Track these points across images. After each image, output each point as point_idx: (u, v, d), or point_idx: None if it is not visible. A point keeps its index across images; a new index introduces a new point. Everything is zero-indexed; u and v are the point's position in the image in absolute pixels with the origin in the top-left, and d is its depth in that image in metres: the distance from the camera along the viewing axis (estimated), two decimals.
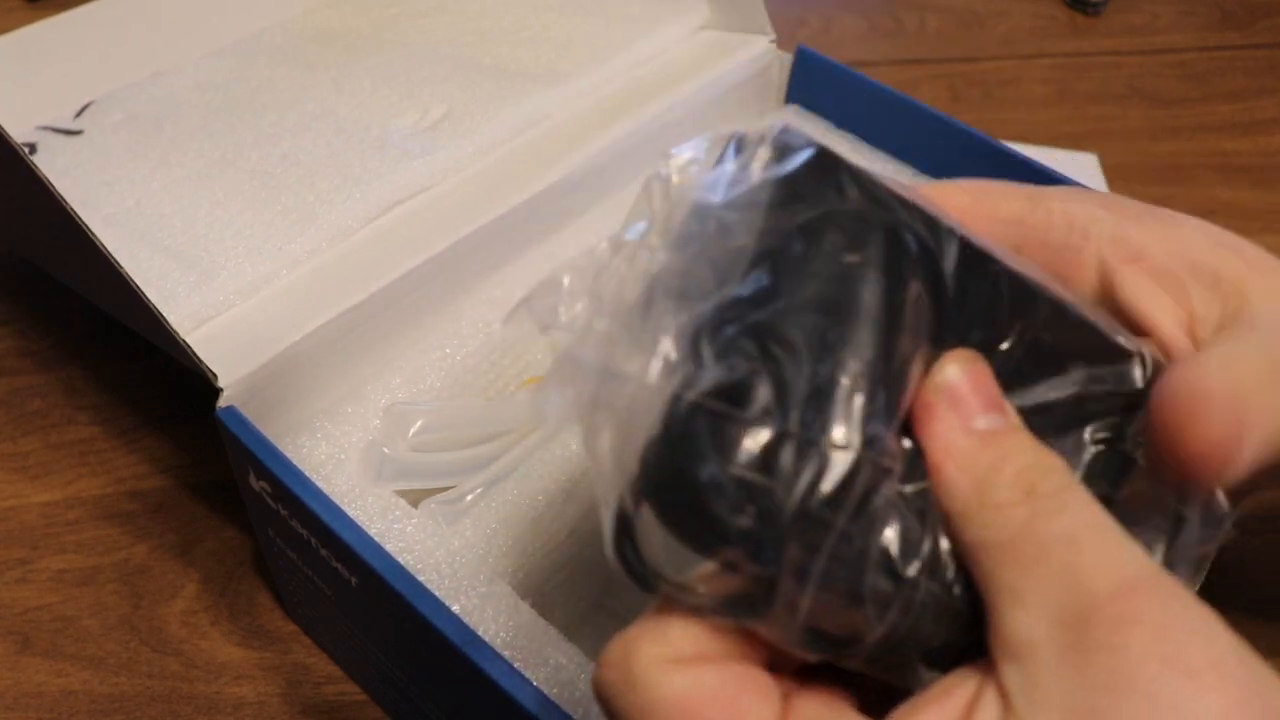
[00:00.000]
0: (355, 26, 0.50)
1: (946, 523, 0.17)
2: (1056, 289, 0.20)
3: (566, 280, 0.18)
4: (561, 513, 0.31)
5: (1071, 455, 0.19)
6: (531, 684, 0.24)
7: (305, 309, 0.32)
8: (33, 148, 0.44)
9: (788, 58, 0.45)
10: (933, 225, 0.18)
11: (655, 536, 0.16)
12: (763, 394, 0.16)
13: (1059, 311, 0.20)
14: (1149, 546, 0.19)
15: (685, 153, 0.19)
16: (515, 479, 0.31)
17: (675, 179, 0.19)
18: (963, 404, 0.18)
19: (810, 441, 0.16)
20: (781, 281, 0.17)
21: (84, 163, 0.42)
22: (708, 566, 0.16)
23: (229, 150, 0.41)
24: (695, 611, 0.17)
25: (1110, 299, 0.22)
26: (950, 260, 0.18)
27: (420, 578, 0.26)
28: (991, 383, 0.18)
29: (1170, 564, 0.19)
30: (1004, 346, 0.19)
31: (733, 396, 0.16)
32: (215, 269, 0.34)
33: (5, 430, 0.44)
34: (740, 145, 0.19)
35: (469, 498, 0.31)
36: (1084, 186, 0.22)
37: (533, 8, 0.49)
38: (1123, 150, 0.60)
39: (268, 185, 0.38)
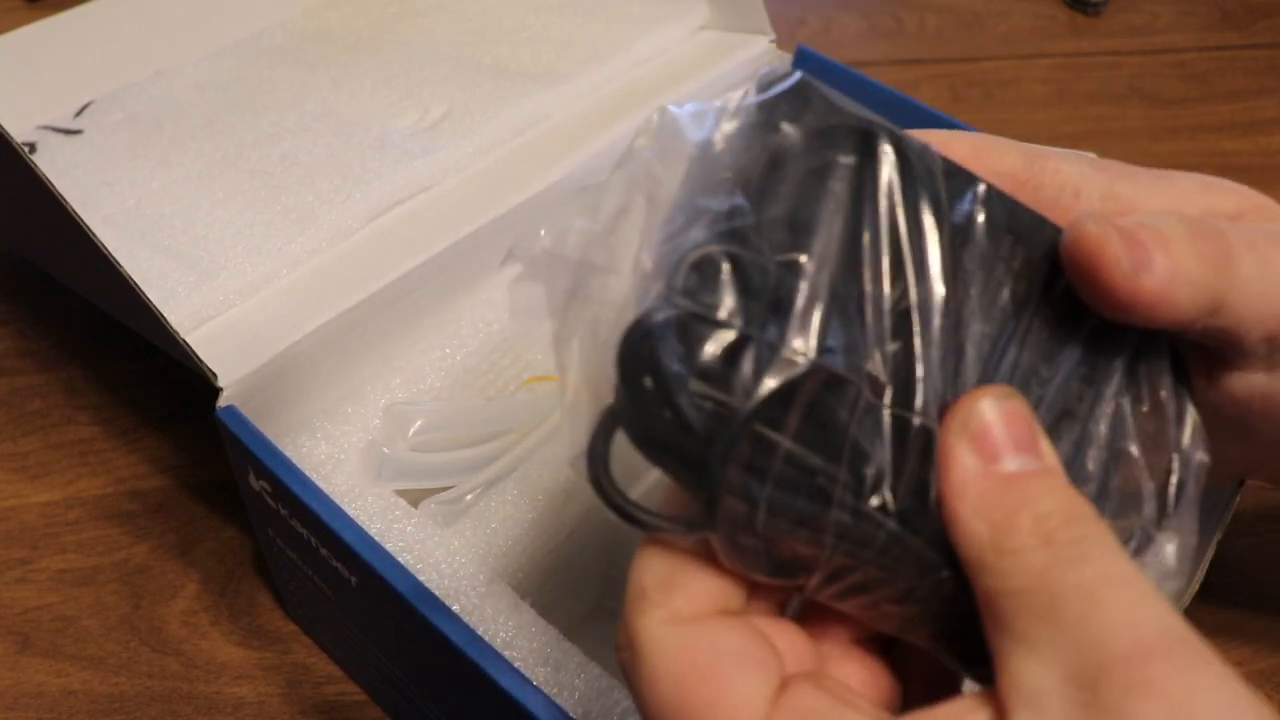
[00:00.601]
0: (355, 26, 0.50)
1: (965, 569, 0.17)
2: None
3: (543, 232, 0.18)
4: (561, 513, 0.31)
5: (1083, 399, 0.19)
6: (531, 684, 0.24)
7: (305, 309, 0.32)
8: (32, 147, 0.44)
9: (788, 58, 0.45)
10: (916, 149, 0.18)
11: (618, 441, 0.17)
12: (724, 306, 0.16)
13: (1053, 231, 0.20)
14: (1142, 527, 0.19)
15: (671, 110, 0.19)
16: (515, 479, 0.31)
17: (661, 125, 0.19)
18: (990, 443, 0.17)
19: (767, 349, 0.16)
20: (754, 200, 0.17)
21: (84, 162, 0.42)
22: (656, 473, 0.17)
23: (229, 150, 0.41)
24: (656, 533, 0.17)
25: None
26: (939, 181, 0.18)
27: (420, 578, 0.26)
28: (1027, 419, 0.17)
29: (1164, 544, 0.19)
30: (1009, 270, 0.19)
31: (697, 307, 0.16)
32: (215, 269, 0.34)
33: (5, 430, 0.44)
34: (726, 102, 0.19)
35: (469, 498, 0.31)
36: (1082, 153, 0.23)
37: (533, 8, 0.49)
38: (1123, 150, 0.60)
39: (268, 185, 0.38)
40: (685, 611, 0.17)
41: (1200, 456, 0.20)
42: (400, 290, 0.34)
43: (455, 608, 0.26)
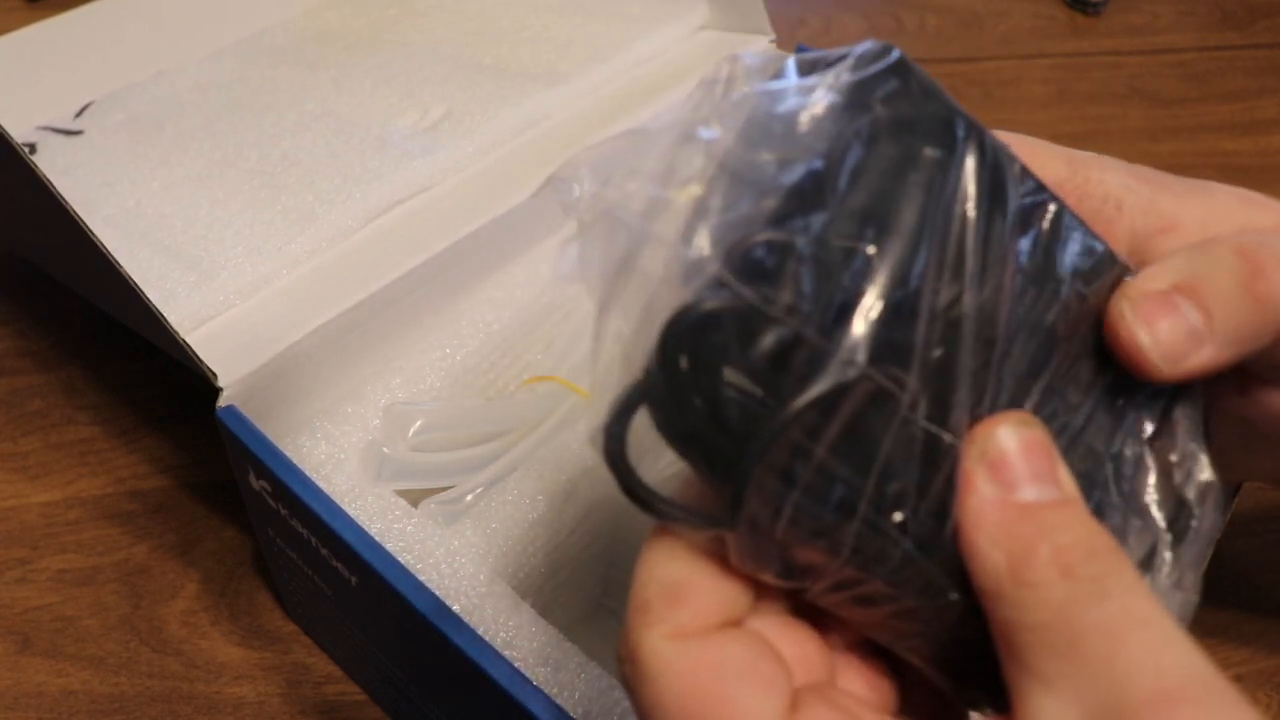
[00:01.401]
0: (355, 26, 0.50)
1: (981, 601, 0.16)
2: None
3: (585, 169, 0.17)
4: (561, 512, 0.31)
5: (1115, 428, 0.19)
6: (531, 684, 0.24)
7: (305, 309, 0.32)
8: (33, 148, 0.44)
9: (788, 58, 0.45)
10: (998, 151, 0.18)
11: (645, 427, 0.16)
12: (781, 299, 0.15)
13: (1110, 257, 0.19)
14: (1153, 537, 0.19)
15: (744, 59, 0.18)
16: (515, 479, 0.31)
17: (733, 80, 0.18)
18: (1008, 472, 0.16)
19: (819, 352, 0.15)
20: (831, 186, 0.16)
21: (84, 163, 0.42)
22: (684, 469, 0.16)
23: (229, 150, 0.41)
24: (669, 521, 0.16)
25: (1143, 268, 0.22)
26: (1012, 189, 0.18)
27: (420, 578, 0.26)
28: (1047, 448, 0.17)
29: (1177, 557, 0.19)
30: (1061, 292, 0.18)
31: (753, 297, 0.15)
32: (215, 269, 0.34)
33: (5, 430, 0.44)
34: (803, 63, 0.18)
35: (469, 498, 0.31)
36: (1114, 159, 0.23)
37: (533, 8, 0.49)
38: (1123, 150, 0.60)
39: (268, 185, 0.38)
40: (690, 626, 0.17)
41: (1211, 517, 0.20)
42: (400, 290, 0.34)
43: (455, 608, 0.26)
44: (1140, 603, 0.15)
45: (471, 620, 0.27)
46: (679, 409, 0.15)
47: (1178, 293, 0.19)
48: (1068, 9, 0.73)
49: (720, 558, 0.17)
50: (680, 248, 0.16)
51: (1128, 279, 0.19)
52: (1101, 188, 0.22)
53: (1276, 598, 0.38)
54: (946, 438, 0.16)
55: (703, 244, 0.16)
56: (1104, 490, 0.19)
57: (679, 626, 0.16)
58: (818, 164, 0.16)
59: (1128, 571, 0.16)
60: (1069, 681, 0.15)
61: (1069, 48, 0.69)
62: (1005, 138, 0.21)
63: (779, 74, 0.18)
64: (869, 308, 0.15)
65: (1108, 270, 0.19)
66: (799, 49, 0.45)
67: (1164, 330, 0.18)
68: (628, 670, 0.17)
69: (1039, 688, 0.15)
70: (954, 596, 0.17)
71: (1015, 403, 0.18)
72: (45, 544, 0.40)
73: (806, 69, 0.18)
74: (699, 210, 0.16)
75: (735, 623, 0.17)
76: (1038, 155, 0.22)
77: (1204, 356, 0.19)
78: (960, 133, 0.17)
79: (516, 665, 0.25)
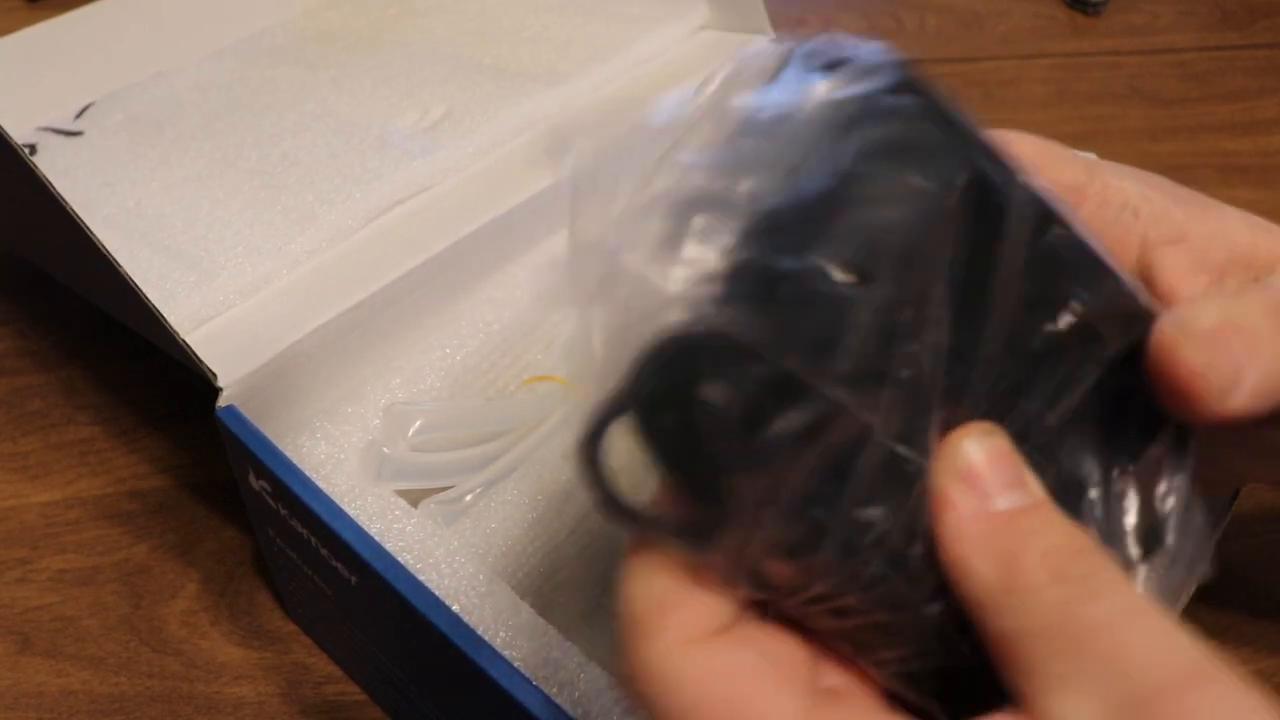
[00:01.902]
0: (355, 26, 0.50)
1: (970, 612, 0.16)
2: (1114, 262, 0.19)
3: (583, 131, 0.17)
4: (561, 512, 0.31)
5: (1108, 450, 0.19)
6: (531, 684, 0.24)
7: (305, 309, 0.32)
8: (33, 148, 0.44)
9: None
10: (1006, 173, 0.17)
11: (623, 445, 0.16)
12: (761, 328, 0.15)
13: (1118, 289, 0.19)
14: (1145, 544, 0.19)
15: (743, 61, 0.18)
16: (515, 479, 0.31)
17: (730, 85, 0.18)
18: (980, 484, 0.16)
19: (797, 383, 0.15)
20: (822, 211, 0.16)
21: (84, 163, 0.42)
22: (661, 487, 0.16)
23: (229, 150, 0.41)
24: (647, 536, 0.16)
25: (1148, 276, 0.22)
26: (1016, 215, 0.17)
27: (420, 578, 0.26)
28: (1012, 456, 0.17)
29: (1171, 561, 0.19)
30: (1059, 326, 0.18)
31: (732, 326, 0.15)
32: (215, 269, 0.34)
33: (5, 430, 0.44)
34: (807, 58, 0.18)
35: (469, 498, 0.31)
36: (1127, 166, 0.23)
37: (533, 8, 0.49)
38: (1123, 150, 0.60)
39: (268, 185, 0.38)
40: (686, 635, 0.17)
41: (1192, 546, 0.19)
42: (400, 290, 0.34)
43: (455, 608, 0.26)
44: (1129, 595, 0.16)
45: (471, 620, 0.27)
46: (653, 433, 0.15)
47: (1226, 330, 0.18)
48: (1068, 9, 0.73)
49: (698, 570, 0.17)
50: (658, 273, 0.16)
51: (1165, 313, 0.19)
52: (1120, 194, 0.22)
53: (1276, 598, 0.38)
54: (921, 460, 0.16)
55: (681, 271, 0.15)
56: (1083, 517, 0.19)
57: (677, 637, 0.16)
58: (804, 188, 0.16)
59: (1110, 567, 0.16)
60: (1083, 679, 0.15)
61: (1069, 48, 0.69)
62: (1024, 142, 0.21)
63: (781, 66, 0.17)
64: (848, 333, 0.15)
65: (1108, 289, 0.19)
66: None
67: (1221, 363, 0.18)
68: (640, 688, 0.17)
69: (1054, 691, 0.15)
70: (925, 610, 0.17)
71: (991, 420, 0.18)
72: (45, 544, 0.40)
73: (806, 66, 0.17)
74: (678, 236, 0.16)
75: (725, 629, 0.17)
76: (1056, 161, 0.22)
77: (1246, 395, 0.18)
78: (958, 151, 0.17)
79: (516, 665, 0.25)
